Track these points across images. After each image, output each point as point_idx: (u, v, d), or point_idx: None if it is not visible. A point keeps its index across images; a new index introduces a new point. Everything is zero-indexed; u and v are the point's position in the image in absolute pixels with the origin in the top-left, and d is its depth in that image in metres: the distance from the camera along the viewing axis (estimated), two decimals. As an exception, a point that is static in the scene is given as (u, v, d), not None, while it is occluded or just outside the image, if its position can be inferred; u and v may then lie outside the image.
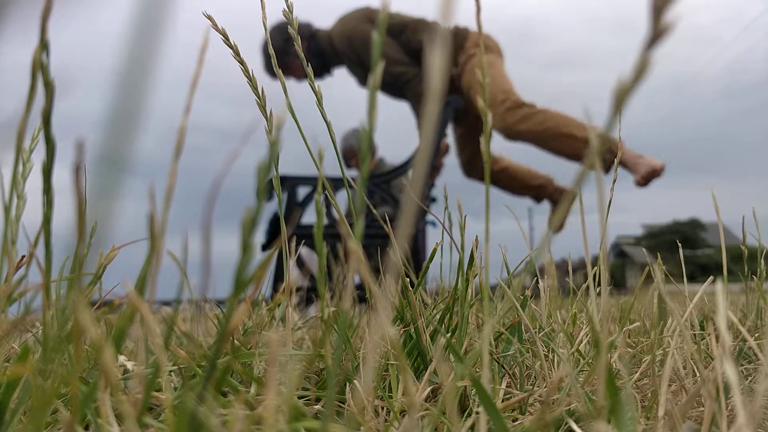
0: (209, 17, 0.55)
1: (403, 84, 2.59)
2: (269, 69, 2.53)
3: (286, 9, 0.59)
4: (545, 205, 2.90)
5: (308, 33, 2.69)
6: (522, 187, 2.80)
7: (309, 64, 0.60)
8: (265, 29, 0.63)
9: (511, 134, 2.43)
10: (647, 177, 2.26)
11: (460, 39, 2.59)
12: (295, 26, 0.60)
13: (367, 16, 2.65)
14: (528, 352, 0.58)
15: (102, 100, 0.19)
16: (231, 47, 0.59)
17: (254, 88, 0.59)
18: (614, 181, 0.65)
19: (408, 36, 2.59)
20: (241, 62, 0.60)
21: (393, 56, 2.57)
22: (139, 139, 0.19)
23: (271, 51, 0.63)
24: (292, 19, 0.59)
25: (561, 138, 2.33)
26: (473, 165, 2.85)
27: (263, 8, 0.61)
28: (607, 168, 1.76)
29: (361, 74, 2.69)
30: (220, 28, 0.58)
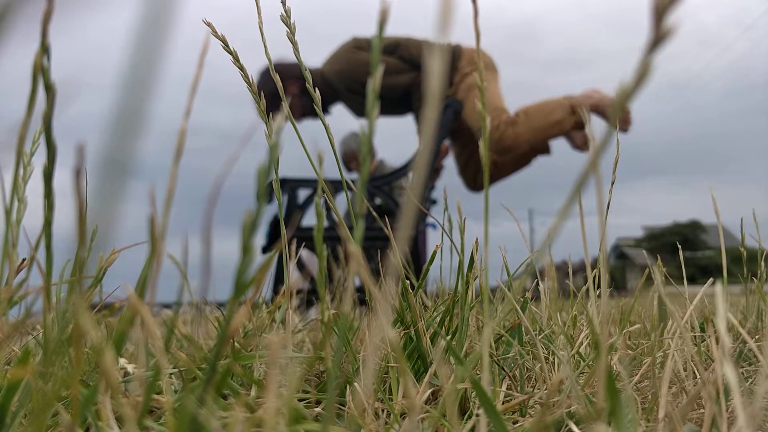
0: (209, 24, 0.55)
1: (414, 90, 2.60)
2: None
3: (284, 13, 0.59)
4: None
5: (300, 73, 2.65)
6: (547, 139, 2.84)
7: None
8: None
9: (513, 148, 2.53)
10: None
11: (454, 58, 2.62)
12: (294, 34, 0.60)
13: (356, 45, 2.68)
14: (528, 355, 0.58)
15: (105, 103, 0.19)
16: (230, 53, 0.59)
17: (254, 93, 0.59)
18: (613, 183, 0.65)
19: (401, 52, 2.62)
20: (241, 68, 0.60)
21: (396, 68, 2.58)
22: (142, 142, 0.19)
23: (271, 64, 0.64)
24: (290, 24, 0.59)
25: (552, 127, 2.52)
26: (478, 175, 2.87)
27: (259, 12, 0.61)
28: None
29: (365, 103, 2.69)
30: (219, 34, 0.58)
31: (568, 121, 2.52)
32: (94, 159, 0.19)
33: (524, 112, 2.52)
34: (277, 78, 0.60)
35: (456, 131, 2.73)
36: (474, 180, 2.88)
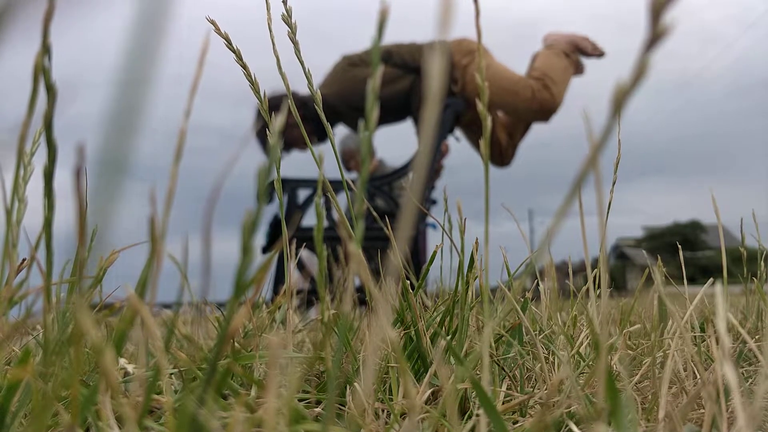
0: (212, 21, 0.55)
1: (412, 93, 2.61)
2: (262, 141, 2.49)
3: (285, 13, 0.59)
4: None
5: (298, 100, 2.59)
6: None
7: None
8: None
9: (554, 108, 2.64)
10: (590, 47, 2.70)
11: (447, 55, 2.63)
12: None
13: (349, 62, 2.70)
14: (528, 355, 0.58)
15: (104, 102, 0.19)
16: (233, 51, 0.59)
17: (256, 91, 0.59)
18: (614, 183, 0.65)
19: (395, 60, 2.65)
20: (244, 66, 0.60)
21: (393, 76, 2.60)
22: (140, 141, 0.19)
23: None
24: (292, 24, 0.59)
25: (567, 74, 2.68)
26: (502, 152, 2.92)
27: (268, 8, 0.61)
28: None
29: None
30: (222, 32, 0.58)
31: (571, 63, 2.71)
32: (94, 158, 0.19)
33: (543, 73, 2.61)
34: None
35: (470, 122, 2.76)
36: (501, 158, 2.93)
